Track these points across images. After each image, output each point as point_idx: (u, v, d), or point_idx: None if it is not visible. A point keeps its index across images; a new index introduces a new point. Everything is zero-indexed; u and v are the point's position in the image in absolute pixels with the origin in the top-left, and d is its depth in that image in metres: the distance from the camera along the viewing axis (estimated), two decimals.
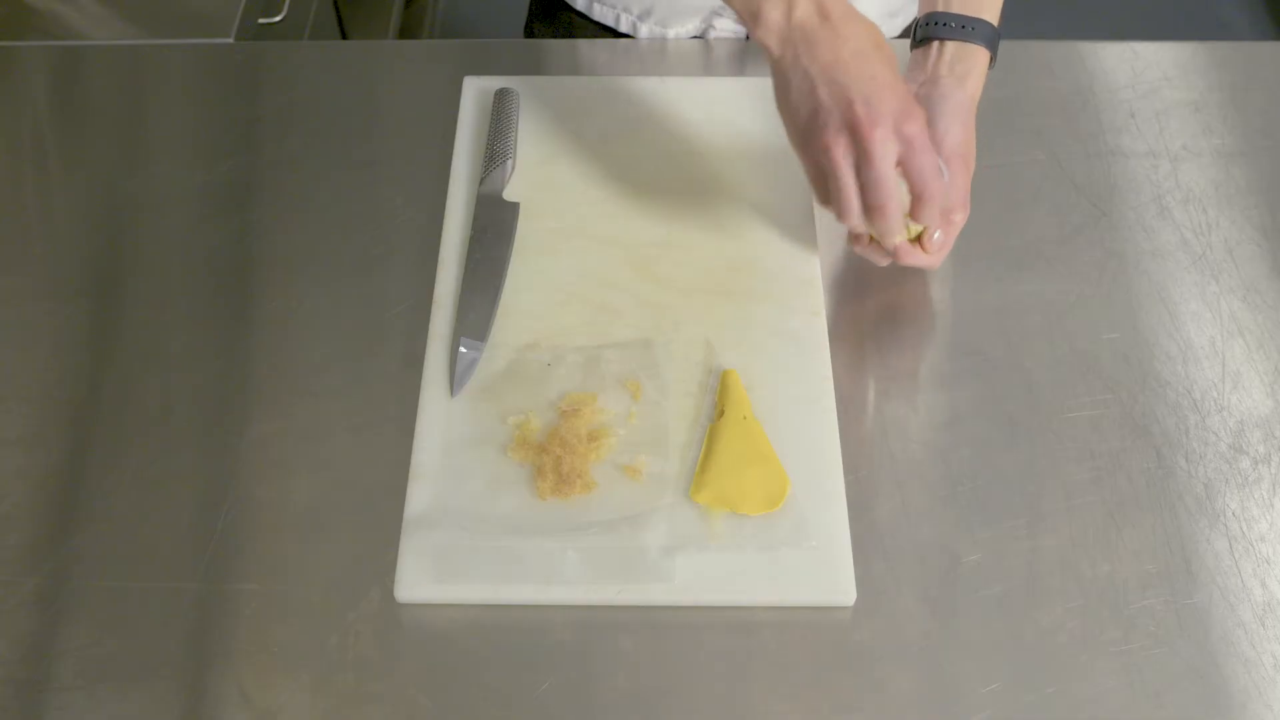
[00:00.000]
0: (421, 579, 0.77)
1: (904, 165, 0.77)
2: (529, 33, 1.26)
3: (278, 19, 1.56)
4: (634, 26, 1.15)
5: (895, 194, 0.77)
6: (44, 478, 0.84)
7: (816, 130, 0.77)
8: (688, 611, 0.77)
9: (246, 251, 0.96)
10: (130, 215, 0.99)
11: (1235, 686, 0.75)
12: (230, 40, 1.34)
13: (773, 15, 0.79)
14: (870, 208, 0.78)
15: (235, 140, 1.04)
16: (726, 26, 1.13)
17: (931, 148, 0.77)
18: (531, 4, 1.25)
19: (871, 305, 0.92)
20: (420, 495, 0.81)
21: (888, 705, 0.74)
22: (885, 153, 0.75)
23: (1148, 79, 1.09)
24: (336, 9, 1.97)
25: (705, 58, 1.12)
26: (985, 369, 0.89)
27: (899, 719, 0.73)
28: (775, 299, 0.91)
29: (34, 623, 0.77)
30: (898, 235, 0.81)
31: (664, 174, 0.99)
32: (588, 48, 1.12)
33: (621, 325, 0.89)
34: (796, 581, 0.77)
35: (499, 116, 1.00)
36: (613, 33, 1.17)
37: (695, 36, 1.14)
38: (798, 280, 0.92)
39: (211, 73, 1.11)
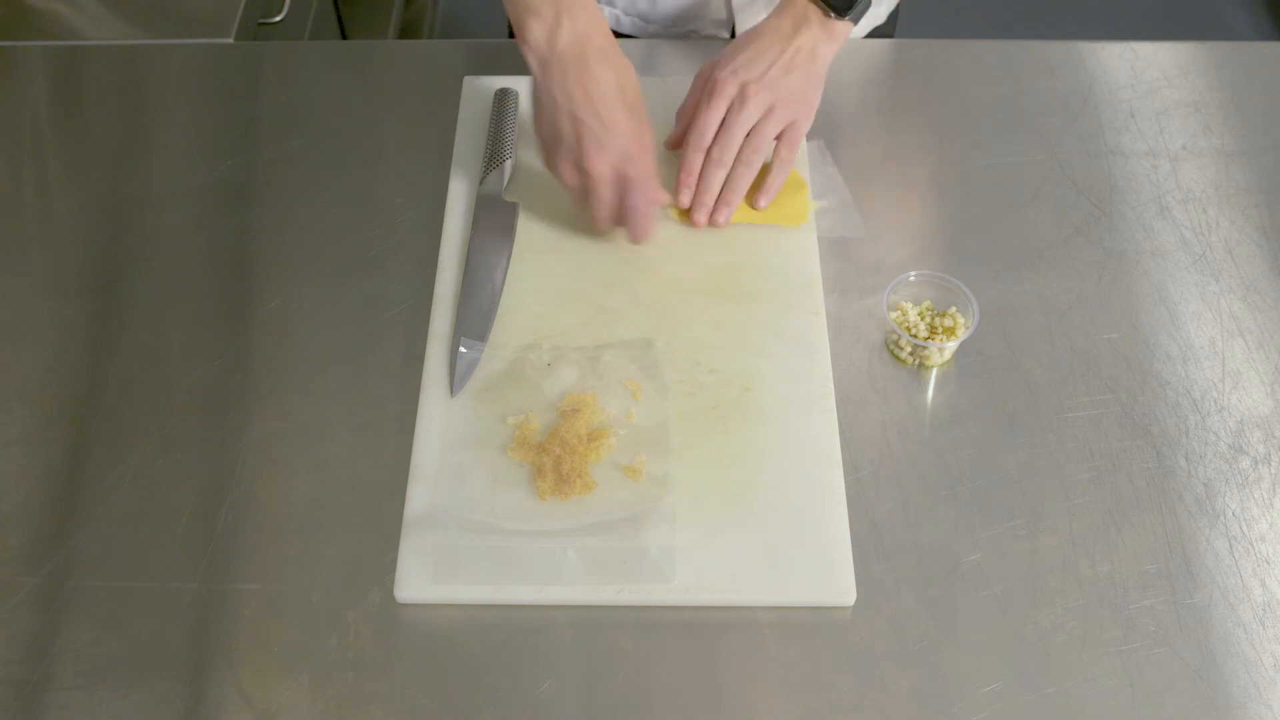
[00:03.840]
0: (421, 579, 0.77)
1: (623, 201, 0.87)
2: (513, 33, 1.26)
3: (278, 19, 1.56)
4: (617, 20, 1.16)
5: (609, 213, 0.89)
6: (44, 478, 0.84)
7: (555, 155, 0.88)
8: (688, 611, 0.77)
9: (246, 251, 0.96)
10: (130, 215, 0.99)
11: (1235, 686, 0.75)
12: (230, 40, 1.34)
13: (537, 35, 0.85)
14: (596, 219, 0.90)
15: (235, 140, 1.04)
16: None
17: (647, 186, 0.87)
18: None
19: (871, 305, 0.92)
20: (420, 495, 0.81)
21: (888, 705, 0.74)
22: (603, 192, 0.87)
23: (1148, 79, 1.09)
24: (336, 9, 1.97)
25: (704, 58, 1.11)
26: (985, 369, 0.89)
27: (899, 719, 0.73)
28: (775, 299, 0.91)
29: (34, 623, 0.77)
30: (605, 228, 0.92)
31: (664, 174, 0.99)
32: None
33: (621, 325, 0.89)
34: (796, 581, 0.77)
35: (498, 116, 1.00)
36: None
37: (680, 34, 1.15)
38: (798, 280, 0.92)
39: (211, 73, 1.11)
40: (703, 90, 0.93)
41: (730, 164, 0.93)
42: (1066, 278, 0.94)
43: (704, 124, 0.92)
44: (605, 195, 0.87)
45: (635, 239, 0.91)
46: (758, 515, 0.80)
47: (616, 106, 0.85)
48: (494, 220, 0.94)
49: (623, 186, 0.87)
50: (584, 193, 0.88)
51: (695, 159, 0.93)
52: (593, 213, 0.89)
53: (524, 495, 0.80)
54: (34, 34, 1.32)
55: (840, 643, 0.76)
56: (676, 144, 0.98)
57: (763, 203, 0.95)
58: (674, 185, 0.94)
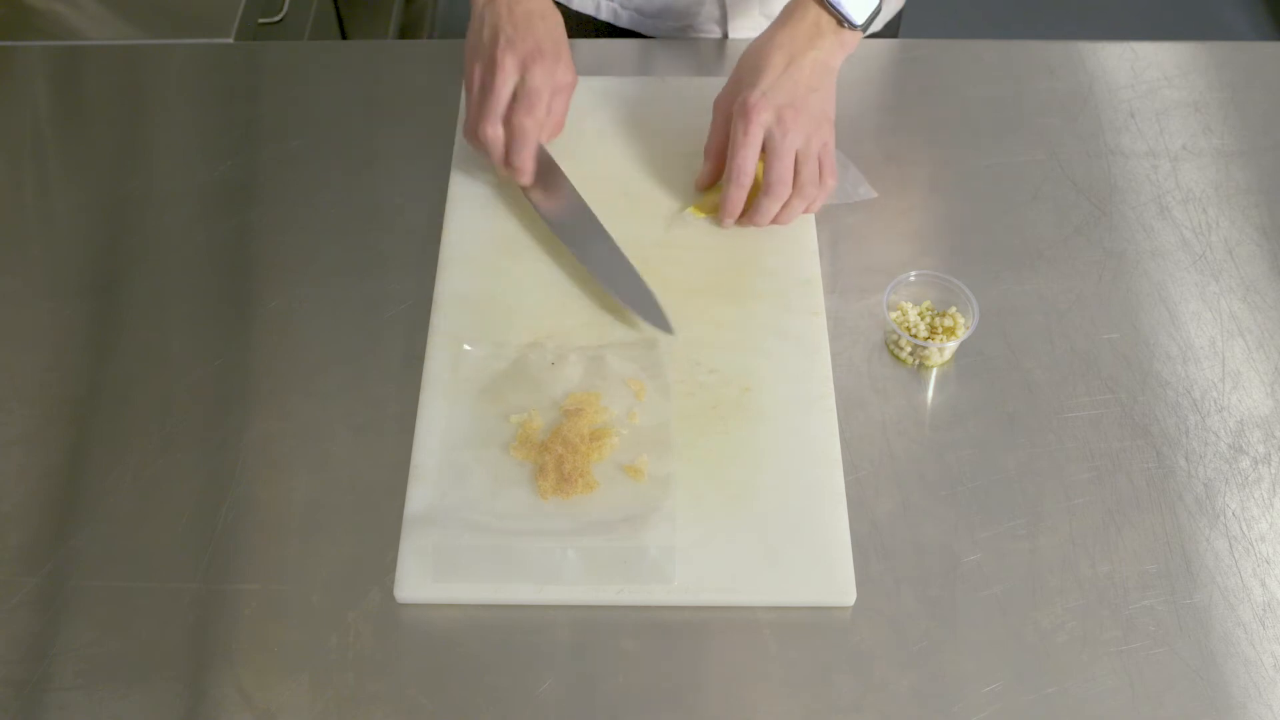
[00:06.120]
0: (421, 579, 0.77)
1: (515, 92, 0.90)
2: None
3: (278, 19, 1.56)
4: (615, 14, 1.16)
5: (496, 114, 0.91)
6: (44, 478, 0.84)
7: (470, 62, 0.92)
8: (688, 611, 0.77)
9: (246, 251, 0.96)
10: (130, 215, 0.99)
11: (1235, 686, 0.75)
12: (230, 40, 1.34)
13: None
14: (483, 116, 0.91)
15: (235, 140, 1.04)
16: (705, 26, 1.14)
17: (541, 90, 0.90)
18: None
19: (871, 305, 0.92)
20: (420, 495, 0.81)
21: (888, 705, 0.74)
22: (503, 80, 0.90)
23: (1148, 79, 1.09)
24: (336, 9, 1.97)
25: (705, 58, 1.12)
26: (985, 369, 0.89)
27: (899, 719, 0.73)
28: (775, 299, 0.91)
29: (34, 623, 0.77)
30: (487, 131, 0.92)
31: (664, 174, 0.99)
32: (588, 47, 1.12)
33: (622, 325, 0.89)
34: (796, 581, 0.77)
35: None
36: (593, 22, 1.17)
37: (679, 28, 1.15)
38: (798, 280, 0.92)
39: (211, 73, 1.11)
40: (735, 117, 0.90)
41: (785, 196, 0.91)
42: (1066, 278, 0.94)
43: (745, 157, 0.90)
44: (503, 86, 0.89)
45: (509, 119, 0.90)
46: (758, 515, 0.80)
47: (536, 26, 0.90)
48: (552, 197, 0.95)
49: (523, 71, 0.89)
50: (482, 90, 0.90)
51: (739, 195, 0.91)
52: (484, 109, 0.90)
53: (525, 494, 0.80)
54: (34, 34, 1.32)
55: (840, 643, 0.76)
56: (709, 183, 0.96)
57: (784, 220, 0.94)
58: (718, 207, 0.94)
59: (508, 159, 0.92)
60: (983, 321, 0.90)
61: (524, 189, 0.95)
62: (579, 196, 0.95)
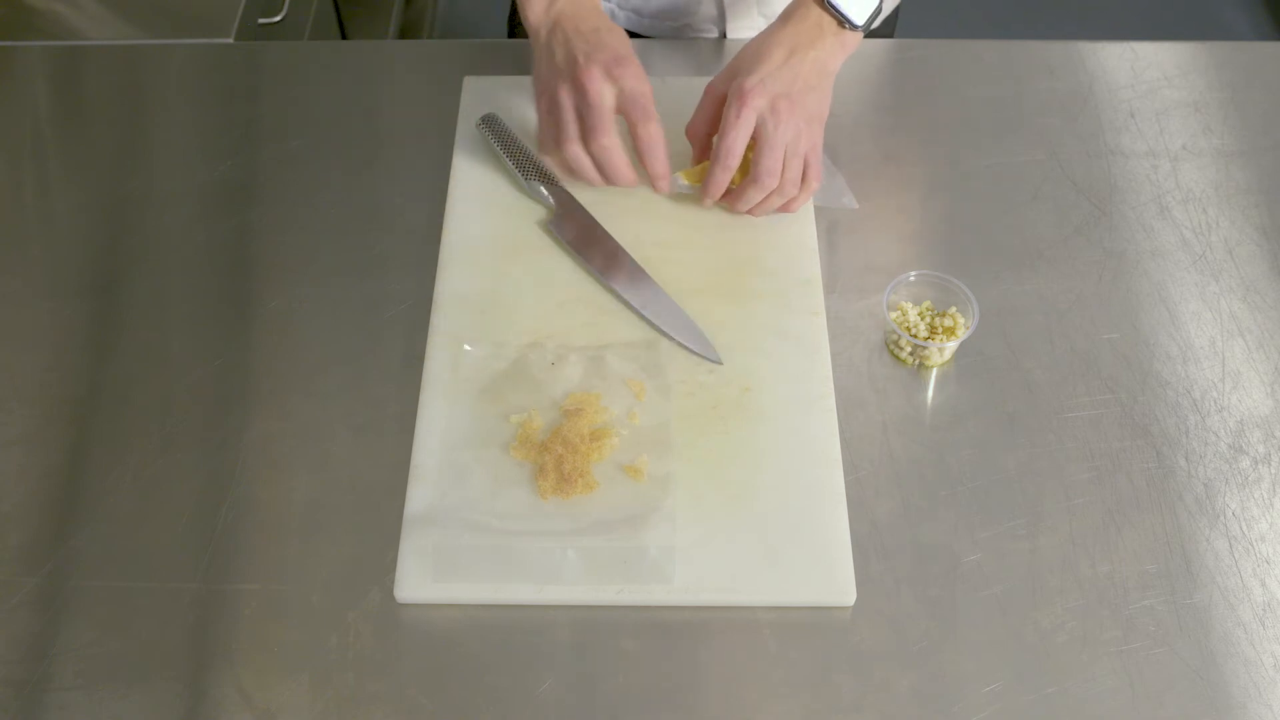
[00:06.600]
0: (421, 579, 0.77)
1: (618, 101, 0.90)
2: (512, 32, 1.26)
3: (278, 19, 1.56)
4: (612, 13, 1.16)
5: (607, 125, 0.90)
6: (44, 478, 0.84)
7: (553, 83, 0.91)
8: (688, 611, 0.77)
9: (246, 251, 0.96)
10: (130, 215, 0.99)
11: (1235, 686, 0.75)
12: (230, 40, 1.34)
13: (536, 10, 0.94)
14: (586, 134, 0.91)
15: (235, 140, 1.04)
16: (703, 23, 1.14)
17: (644, 92, 0.89)
18: (514, 2, 1.25)
19: (871, 305, 0.92)
20: (420, 495, 0.81)
21: (888, 705, 0.74)
22: (597, 91, 0.88)
23: (1148, 79, 1.09)
24: (336, 9, 1.97)
25: (703, 58, 1.12)
26: (985, 369, 0.89)
27: (899, 719, 0.73)
28: (775, 299, 0.91)
29: (34, 623, 0.77)
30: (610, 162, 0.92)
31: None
32: None
33: (622, 325, 0.89)
34: (796, 581, 0.77)
35: (504, 142, 0.99)
36: None
37: (671, 26, 1.15)
38: (798, 280, 0.92)
39: (211, 73, 1.11)
40: (729, 99, 0.89)
41: (773, 187, 0.90)
42: (1066, 278, 0.94)
43: (734, 139, 0.89)
44: (599, 97, 0.88)
45: (637, 130, 0.90)
46: (758, 515, 0.80)
47: (606, 39, 0.90)
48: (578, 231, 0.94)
49: (614, 80, 0.88)
50: (582, 105, 0.89)
51: (724, 177, 0.91)
52: (592, 121, 0.89)
53: (525, 494, 0.80)
54: (34, 34, 1.32)
55: (840, 643, 0.76)
56: (695, 164, 0.96)
57: (759, 213, 0.94)
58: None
59: (648, 167, 0.92)
60: (983, 321, 0.90)
61: (570, 241, 0.94)
62: (608, 234, 0.95)
